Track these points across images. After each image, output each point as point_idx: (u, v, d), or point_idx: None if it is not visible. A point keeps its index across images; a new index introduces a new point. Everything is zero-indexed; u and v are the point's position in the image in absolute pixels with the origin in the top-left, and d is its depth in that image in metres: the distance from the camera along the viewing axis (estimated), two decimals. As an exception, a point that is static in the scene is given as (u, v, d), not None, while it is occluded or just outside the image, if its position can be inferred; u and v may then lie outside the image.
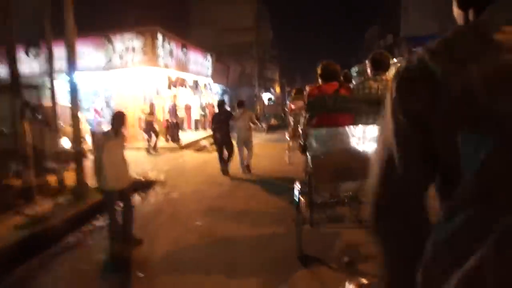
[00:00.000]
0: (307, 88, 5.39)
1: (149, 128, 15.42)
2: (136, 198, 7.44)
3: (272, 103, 38.58)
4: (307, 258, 4.07)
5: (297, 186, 4.10)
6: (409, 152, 0.84)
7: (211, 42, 27.42)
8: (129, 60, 14.40)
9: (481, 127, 0.70)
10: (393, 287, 0.92)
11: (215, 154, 11.51)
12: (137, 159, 12.23)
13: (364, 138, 3.44)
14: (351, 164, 3.39)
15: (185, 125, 20.70)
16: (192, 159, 12.59)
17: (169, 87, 15.69)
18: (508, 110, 0.67)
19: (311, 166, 3.68)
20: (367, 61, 3.95)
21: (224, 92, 26.31)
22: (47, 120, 10.38)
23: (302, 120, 4.46)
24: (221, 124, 9.28)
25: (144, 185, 8.45)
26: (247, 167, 9.43)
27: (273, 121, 27.63)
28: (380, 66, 3.80)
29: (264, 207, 6.58)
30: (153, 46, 14.21)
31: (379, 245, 0.93)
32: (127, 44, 14.34)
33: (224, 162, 9.43)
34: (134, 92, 15.69)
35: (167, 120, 15.72)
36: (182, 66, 17.19)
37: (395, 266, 0.92)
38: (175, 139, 15.29)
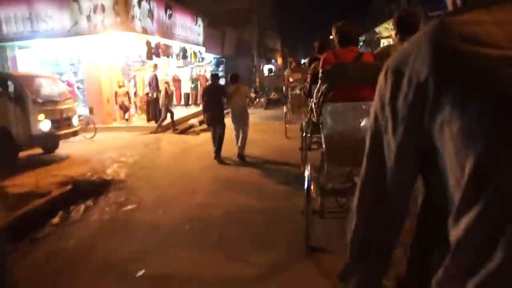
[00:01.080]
0: (320, 57, 4.14)
1: (121, 103, 13.15)
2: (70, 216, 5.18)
3: (272, 74, 35.94)
4: (314, 250, 3.69)
5: (307, 170, 3.56)
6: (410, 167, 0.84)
7: (205, 8, 24.81)
8: (99, 22, 11.85)
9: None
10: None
11: (203, 137, 9.56)
12: (102, 145, 9.98)
13: None
14: None
15: (174, 100, 18.30)
16: (172, 145, 10.27)
17: (149, 56, 13.19)
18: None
19: (324, 146, 3.34)
20: (391, 23, 3.43)
21: (218, 62, 23.69)
22: (16, 93, 8.16)
23: (314, 92, 3.67)
24: (213, 100, 7.96)
25: (89, 190, 6.20)
26: (240, 157, 8.16)
27: (273, 95, 25.21)
28: (409, 28, 3.16)
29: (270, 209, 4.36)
30: (127, 5, 11.63)
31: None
32: (95, 2, 11.75)
33: (215, 144, 8.18)
34: (108, 62, 13.22)
35: (146, 94, 13.34)
36: (166, 31, 14.62)
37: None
38: (156, 117, 12.95)
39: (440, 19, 0.77)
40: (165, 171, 7.54)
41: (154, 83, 12.70)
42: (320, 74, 3.41)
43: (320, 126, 3.44)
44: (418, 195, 0.88)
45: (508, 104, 0.66)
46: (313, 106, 3.72)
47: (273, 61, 42.77)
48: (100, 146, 10.06)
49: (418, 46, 0.77)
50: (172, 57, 15.26)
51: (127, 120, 13.35)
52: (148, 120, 13.33)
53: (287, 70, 13.16)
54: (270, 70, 38.34)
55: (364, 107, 3.13)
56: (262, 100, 22.01)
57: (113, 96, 13.37)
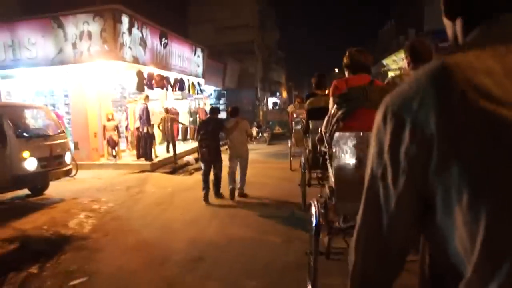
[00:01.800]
0: (333, 82, 3.57)
1: (109, 138, 11.97)
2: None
3: (277, 108, 34.98)
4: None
5: (314, 207, 3.23)
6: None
7: (210, 40, 24.19)
8: (85, 50, 10.83)
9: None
10: None
11: (195, 178, 8.99)
12: (80, 186, 8.68)
13: None
14: None
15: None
16: (158, 188, 8.96)
17: (140, 87, 12.10)
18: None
19: (333, 180, 3.02)
20: (404, 52, 3.31)
21: (219, 95, 22.74)
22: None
23: (325, 120, 3.28)
24: (209, 135, 7.36)
25: (40, 251, 4.89)
26: (240, 194, 7.62)
27: (277, 129, 24.07)
28: (422, 57, 3.05)
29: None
30: (115, 32, 10.63)
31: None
32: (81, 28, 10.78)
33: (208, 186, 7.45)
34: (96, 93, 12.14)
35: (137, 129, 12.17)
36: (161, 61, 13.62)
37: None
38: (147, 154, 11.72)
39: (442, 61, 0.73)
40: (140, 225, 6.19)
41: (144, 116, 11.54)
42: (333, 99, 3.24)
43: (327, 158, 3.29)
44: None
45: None
46: (323, 135, 3.43)
47: (277, 94, 42.03)
48: (77, 187, 8.79)
49: (421, 92, 0.73)
50: (167, 89, 14.16)
51: (115, 156, 12.13)
52: (138, 157, 12.10)
53: (291, 106, 12.22)
54: (274, 104, 37.53)
55: None
56: (265, 135, 20.85)
57: (101, 130, 12.23)
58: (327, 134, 3.22)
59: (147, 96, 11.83)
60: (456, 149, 0.67)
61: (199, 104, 18.85)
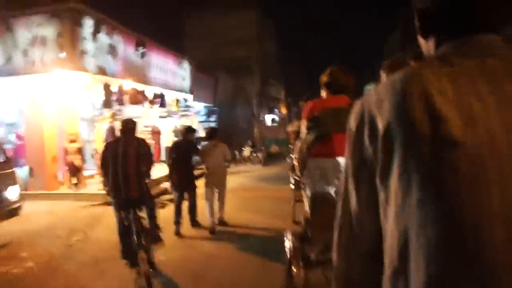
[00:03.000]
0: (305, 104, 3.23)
1: (70, 163, 10.10)
2: None
3: (276, 124, 33.10)
4: None
5: (288, 238, 3.19)
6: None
7: (206, 56, 22.57)
8: (37, 59, 9.01)
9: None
10: None
11: (167, 212, 7.50)
12: (18, 227, 6.76)
13: None
14: None
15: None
16: (111, 230, 6.96)
17: (107, 103, 10.24)
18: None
19: (308, 209, 2.87)
20: (381, 72, 2.72)
21: (210, 111, 20.85)
22: None
23: (297, 145, 3.19)
24: (181, 159, 6.71)
25: None
26: (220, 221, 7.02)
27: (273, 148, 22.18)
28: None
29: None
30: (74, 37, 8.82)
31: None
32: (34, 32, 8.98)
33: (180, 218, 6.70)
34: (54, 111, 10.27)
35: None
36: (136, 73, 11.78)
37: None
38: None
39: (403, 71, 0.81)
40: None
41: (111, 138, 9.66)
42: (305, 123, 2.93)
43: (302, 185, 3.09)
44: None
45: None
46: (295, 162, 3.26)
47: (276, 110, 40.19)
48: (16, 228, 6.87)
49: (381, 95, 0.81)
50: (143, 105, 12.30)
51: (76, 185, 10.20)
52: (105, 184, 10.16)
53: (290, 126, 10.50)
54: (273, 120, 35.67)
55: None
56: (259, 155, 18.94)
57: (63, 153, 10.35)
58: (298, 161, 3.05)
59: (113, 114, 9.95)
60: (398, 151, 0.74)
61: (183, 123, 16.96)
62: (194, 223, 6.94)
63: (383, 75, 2.77)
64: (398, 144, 0.74)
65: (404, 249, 0.74)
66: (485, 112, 0.71)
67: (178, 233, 6.51)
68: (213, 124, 21.03)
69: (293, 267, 3.03)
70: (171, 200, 9.79)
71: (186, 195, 6.82)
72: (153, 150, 14.92)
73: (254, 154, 19.40)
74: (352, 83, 3.07)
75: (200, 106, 19.47)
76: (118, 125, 12.34)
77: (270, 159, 19.28)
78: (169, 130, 15.78)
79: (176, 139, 15.90)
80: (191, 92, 16.31)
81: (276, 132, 24.22)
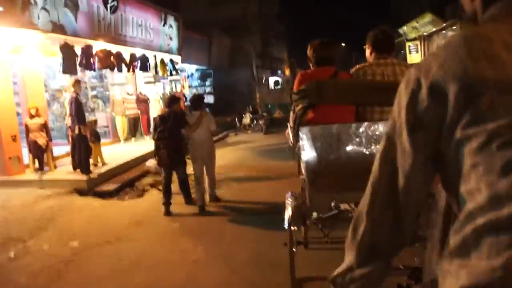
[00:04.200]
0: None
1: (33, 142, 8.46)
2: None
3: (279, 87, 31.03)
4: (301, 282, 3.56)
5: (288, 200, 3.37)
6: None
7: (199, 13, 20.34)
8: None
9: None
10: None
11: (147, 202, 6.90)
12: None
13: (371, 138, 2.78)
14: (354, 170, 2.50)
15: (140, 128, 13.57)
16: (62, 237, 5.37)
17: (69, 68, 8.44)
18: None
19: (304, 173, 3.02)
20: (367, 44, 3.18)
21: (204, 75, 18.91)
22: None
23: (291, 114, 3.36)
24: (168, 133, 6.12)
25: None
26: (212, 197, 6.54)
27: (277, 113, 20.31)
28: (384, 48, 3.14)
29: None
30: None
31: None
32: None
33: (169, 197, 6.15)
34: (6, 79, 8.50)
35: (70, 129, 8.57)
36: (107, 31, 9.89)
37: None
38: (82, 165, 8.15)
39: (463, 33, 0.85)
40: None
41: (74, 111, 7.93)
42: (293, 95, 3.14)
43: (297, 151, 3.23)
44: (439, 197, 0.98)
45: None
46: (289, 130, 3.57)
47: (279, 72, 38.01)
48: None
49: (440, 58, 0.83)
50: (120, 69, 10.46)
51: (40, 169, 8.58)
52: (74, 168, 8.54)
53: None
54: (276, 83, 33.54)
55: (343, 129, 2.81)
56: (260, 122, 17.17)
57: (24, 131, 8.68)
58: (292, 129, 3.28)
59: (76, 82, 8.14)
60: (472, 105, 0.76)
61: (175, 88, 15.13)
62: (188, 200, 6.48)
63: (369, 47, 3.14)
64: (467, 101, 0.77)
65: None
66: None
67: (167, 212, 6.06)
68: (208, 89, 19.20)
69: (292, 226, 3.26)
70: (152, 185, 8.21)
71: (174, 174, 6.37)
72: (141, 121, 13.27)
73: (255, 122, 17.63)
74: (335, 54, 3.36)
75: (192, 69, 17.56)
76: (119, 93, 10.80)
77: (273, 125, 17.56)
78: (157, 97, 13.97)
79: (163, 108, 14.25)
80: (179, 53, 14.36)
81: (279, 95, 22.28)
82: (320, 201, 2.95)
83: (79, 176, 8.17)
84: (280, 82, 32.44)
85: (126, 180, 8.56)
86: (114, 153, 10.96)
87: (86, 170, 8.10)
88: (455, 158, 0.81)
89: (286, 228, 3.21)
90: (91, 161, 9.02)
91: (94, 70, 9.32)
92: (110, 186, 8.02)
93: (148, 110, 13.53)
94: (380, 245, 0.95)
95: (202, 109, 6.52)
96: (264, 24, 31.95)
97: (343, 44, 46.60)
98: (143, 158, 10.42)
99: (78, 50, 8.72)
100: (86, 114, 10.32)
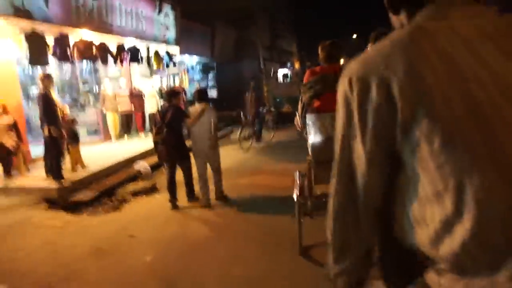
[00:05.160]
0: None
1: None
2: None
3: (289, 80, 29.67)
4: (307, 249, 4.06)
5: (297, 177, 4.08)
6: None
7: (208, 6, 19.11)
8: None
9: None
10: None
11: (126, 217, 5.84)
12: None
13: None
14: None
15: (134, 125, 12.47)
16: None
17: (37, 59, 7.32)
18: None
19: (310, 153, 3.66)
20: (371, 39, 3.37)
21: (206, 68, 17.72)
22: None
23: (299, 103, 3.84)
24: (167, 129, 5.86)
25: None
26: (219, 196, 6.22)
27: (286, 107, 19.02)
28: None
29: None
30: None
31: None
32: None
33: (174, 193, 6.05)
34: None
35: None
36: (89, 18, 8.76)
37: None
38: (53, 171, 7.06)
39: (408, 29, 0.86)
40: None
41: (42, 110, 6.82)
42: (302, 87, 3.65)
43: (305, 135, 3.72)
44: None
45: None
46: (297, 117, 3.83)
47: (288, 65, 36.64)
48: None
49: (386, 55, 0.83)
50: (104, 61, 9.34)
51: (7, 175, 7.51)
52: (47, 173, 7.45)
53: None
54: (285, 76, 32.17)
55: None
56: (268, 117, 15.94)
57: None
58: (300, 117, 3.72)
59: (45, 77, 7.00)
60: (423, 103, 0.77)
61: (172, 81, 13.98)
62: (190, 196, 6.23)
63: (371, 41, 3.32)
64: (419, 97, 0.77)
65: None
66: (494, 59, 0.79)
67: (174, 206, 6.01)
68: (211, 83, 18.03)
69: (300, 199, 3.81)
70: (135, 194, 7.09)
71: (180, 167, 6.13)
72: (134, 118, 12.16)
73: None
74: (340, 52, 3.78)
75: (192, 62, 16.39)
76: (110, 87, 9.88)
77: (281, 120, 16.34)
78: (153, 92, 12.82)
79: (163, 103, 13.10)
80: (177, 43, 13.19)
81: (288, 89, 20.97)
82: (323, 177, 3.32)
83: (51, 183, 7.09)
84: (289, 75, 31.15)
85: (107, 186, 7.47)
86: (102, 153, 9.89)
87: (57, 176, 7.01)
88: (409, 161, 0.82)
89: (295, 201, 3.80)
90: (67, 165, 7.97)
91: (72, 62, 8.18)
92: (85, 195, 6.92)
93: (143, 106, 12.39)
94: (348, 243, 0.98)
95: (205, 102, 6.05)
96: (272, 16, 30.61)
97: (354, 36, 45.17)
98: (132, 159, 9.33)
99: (52, 40, 7.59)
100: (71, 112, 9.32)
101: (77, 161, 7.99)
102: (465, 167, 0.74)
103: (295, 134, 11.98)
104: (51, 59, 7.97)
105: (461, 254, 0.76)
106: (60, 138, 7.26)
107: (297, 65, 39.72)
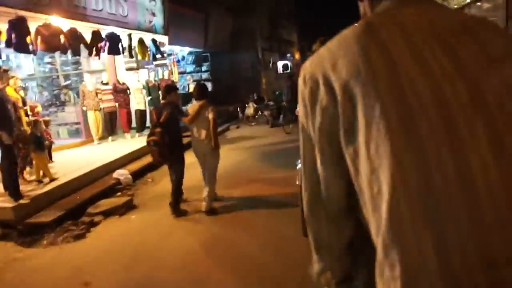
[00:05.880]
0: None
1: None
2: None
3: (288, 71, 28.26)
4: None
5: (299, 163, 3.70)
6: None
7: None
8: None
9: None
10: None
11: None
12: None
13: None
14: None
15: (118, 124, 11.19)
16: None
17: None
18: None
19: None
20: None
21: (198, 58, 16.37)
22: None
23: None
24: (161, 128, 5.43)
25: None
26: (207, 209, 5.50)
27: (285, 101, 17.78)
28: None
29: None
30: None
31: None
32: None
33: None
34: None
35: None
36: (58, 2, 7.43)
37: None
38: (8, 186, 5.81)
39: (358, 24, 0.86)
40: None
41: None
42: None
43: None
44: None
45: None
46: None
47: (288, 55, 35.22)
48: None
49: (333, 53, 0.84)
50: (75, 53, 8.02)
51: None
52: (5, 188, 6.19)
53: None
54: (285, 67, 30.76)
55: None
56: (266, 113, 14.68)
57: None
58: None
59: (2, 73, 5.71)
60: (363, 100, 0.77)
61: (161, 74, 12.64)
62: (175, 210, 5.54)
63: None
64: (361, 97, 0.77)
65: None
66: (433, 56, 0.78)
67: (179, 214, 5.58)
68: (205, 75, 16.71)
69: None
70: (107, 214, 5.84)
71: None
72: (118, 115, 10.89)
73: (260, 113, 15.13)
74: None
75: (183, 51, 15.04)
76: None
77: (279, 116, 15.11)
78: (139, 86, 11.52)
79: (150, 97, 11.80)
80: (166, 32, 11.85)
81: (288, 81, 19.75)
82: None
83: (5, 201, 5.84)
84: (289, 66, 29.75)
85: (76, 203, 6.22)
86: (79, 158, 8.64)
87: (14, 193, 5.75)
88: (353, 166, 0.82)
89: (298, 184, 3.59)
90: (31, 177, 6.75)
91: (33, 53, 6.87)
92: (46, 216, 5.67)
93: (128, 102, 11.10)
94: (323, 239, 0.98)
95: (204, 100, 5.56)
96: (272, 4, 29.17)
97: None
98: (113, 165, 8.09)
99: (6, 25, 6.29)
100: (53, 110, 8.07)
101: (43, 171, 6.74)
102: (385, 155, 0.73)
103: (293, 135, 10.83)
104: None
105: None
106: (16, 145, 6.02)
107: (297, 56, 38.34)
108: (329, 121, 0.82)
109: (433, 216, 0.71)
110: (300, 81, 0.89)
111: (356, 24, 0.84)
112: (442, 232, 0.70)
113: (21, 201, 5.74)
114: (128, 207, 5.92)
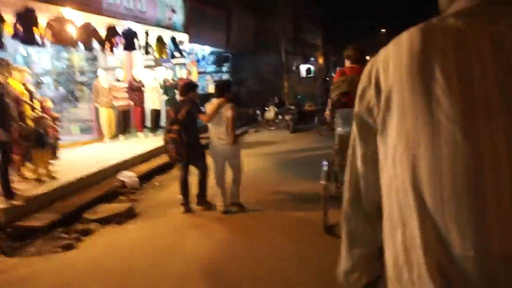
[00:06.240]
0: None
1: None
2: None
3: (311, 75, 27.60)
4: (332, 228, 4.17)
5: (324, 164, 4.43)
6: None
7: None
8: None
9: None
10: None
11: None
12: None
13: None
14: None
15: (132, 122, 10.83)
16: None
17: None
18: None
19: (337, 143, 4.17)
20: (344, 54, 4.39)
21: (219, 59, 15.93)
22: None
23: (329, 101, 4.37)
24: (179, 126, 5.38)
25: None
26: (234, 203, 5.60)
27: (308, 106, 17.11)
28: (356, 59, 4.38)
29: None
30: None
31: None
32: None
33: (187, 193, 5.63)
34: None
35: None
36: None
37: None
38: (2, 186, 5.44)
39: (417, 26, 0.82)
40: None
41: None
42: (333, 86, 4.24)
43: (332, 126, 4.30)
44: None
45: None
46: (327, 112, 4.41)
47: (312, 59, 34.57)
48: None
49: (385, 53, 0.85)
50: (88, 47, 7.68)
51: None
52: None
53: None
54: (308, 71, 30.15)
55: None
56: (287, 118, 14.11)
57: None
58: (330, 111, 4.27)
59: (8, 68, 5.35)
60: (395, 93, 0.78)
61: (179, 73, 12.21)
62: (201, 201, 5.69)
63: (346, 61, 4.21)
64: (396, 105, 0.77)
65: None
66: (484, 75, 0.72)
67: (186, 209, 5.58)
68: (225, 76, 16.27)
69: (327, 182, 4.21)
70: (103, 221, 5.40)
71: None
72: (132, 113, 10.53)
73: (281, 117, 14.57)
74: (363, 54, 4.35)
75: (204, 51, 14.63)
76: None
77: (302, 121, 14.54)
78: (155, 85, 11.13)
79: (167, 97, 11.40)
80: (186, 30, 11.44)
81: (311, 85, 19.14)
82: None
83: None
84: (312, 70, 29.12)
85: (73, 207, 5.80)
86: (88, 157, 8.29)
87: (7, 193, 5.37)
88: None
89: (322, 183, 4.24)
90: (30, 175, 6.39)
91: (42, 45, 6.52)
92: (39, 221, 5.26)
93: (142, 100, 10.74)
94: (359, 235, 0.99)
95: (225, 97, 5.45)
96: (297, 6, 28.63)
97: (383, 30, 43.75)
98: (120, 166, 7.68)
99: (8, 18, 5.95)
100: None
101: (42, 168, 6.37)
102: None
103: (315, 141, 10.26)
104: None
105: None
106: (16, 141, 5.65)
107: (321, 60, 37.62)
108: (371, 118, 0.85)
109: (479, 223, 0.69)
110: (361, 79, 0.90)
111: (414, 28, 0.82)
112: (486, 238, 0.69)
113: (14, 202, 5.35)
114: (128, 215, 5.46)
